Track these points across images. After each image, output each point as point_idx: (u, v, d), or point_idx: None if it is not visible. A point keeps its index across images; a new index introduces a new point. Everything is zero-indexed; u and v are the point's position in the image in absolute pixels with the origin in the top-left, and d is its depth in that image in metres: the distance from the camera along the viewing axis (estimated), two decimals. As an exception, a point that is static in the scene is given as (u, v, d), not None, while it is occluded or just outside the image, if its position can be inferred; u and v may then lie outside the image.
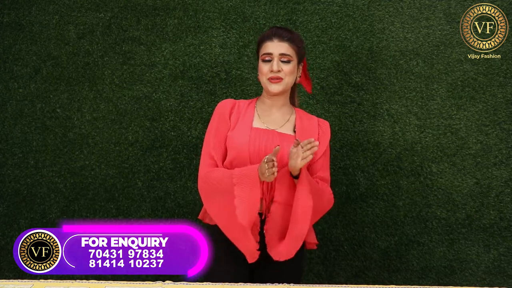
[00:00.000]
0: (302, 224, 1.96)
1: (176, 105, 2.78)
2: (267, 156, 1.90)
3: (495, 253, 2.74)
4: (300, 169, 1.94)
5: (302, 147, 1.89)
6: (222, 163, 2.06)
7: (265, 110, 2.14)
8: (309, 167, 2.08)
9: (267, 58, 2.09)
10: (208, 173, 2.03)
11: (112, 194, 2.79)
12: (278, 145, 1.92)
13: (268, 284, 1.85)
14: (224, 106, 2.14)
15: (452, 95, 2.74)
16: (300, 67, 2.16)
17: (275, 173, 1.90)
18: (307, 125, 2.14)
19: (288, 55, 2.08)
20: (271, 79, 2.08)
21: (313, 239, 2.11)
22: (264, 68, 2.09)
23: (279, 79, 2.07)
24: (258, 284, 1.85)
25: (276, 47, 2.08)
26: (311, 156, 1.89)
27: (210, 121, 2.14)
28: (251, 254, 1.98)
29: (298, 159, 1.89)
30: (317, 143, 1.90)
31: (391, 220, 2.76)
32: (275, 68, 2.06)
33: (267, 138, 2.04)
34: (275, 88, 2.08)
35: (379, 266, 2.77)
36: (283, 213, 2.00)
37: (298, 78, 2.15)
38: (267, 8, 2.77)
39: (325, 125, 2.18)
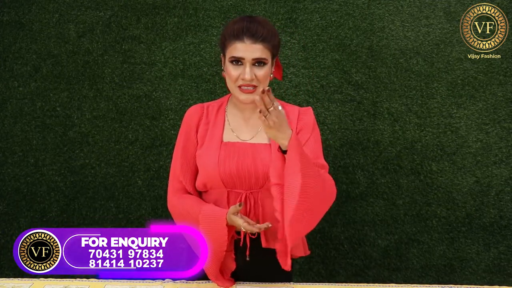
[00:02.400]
0: (290, 213, 1.65)
1: (176, 104, 2.78)
2: (231, 211, 1.71)
3: (495, 252, 2.74)
4: (290, 141, 1.63)
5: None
6: (193, 184, 1.89)
7: (237, 114, 1.90)
8: None
9: (237, 60, 1.79)
10: (177, 200, 1.87)
11: (112, 192, 2.79)
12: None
13: (268, 282, 1.86)
14: (190, 118, 1.90)
15: (452, 94, 2.74)
16: (274, 61, 1.87)
17: (257, 228, 1.71)
18: None
19: (264, 58, 1.78)
20: (242, 88, 1.79)
21: (299, 253, 1.93)
22: (233, 72, 1.78)
23: (252, 87, 1.79)
24: (261, 282, 1.86)
25: (248, 50, 1.76)
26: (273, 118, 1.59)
27: (178, 134, 1.91)
28: (222, 283, 1.82)
29: (267, 129, 1.62)
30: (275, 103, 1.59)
31: (391, 218, 2.76)
32: (247, 77, 1.76)
33: (238, 156, 1.82)
34: (247, 98, 1.79)
35: (379, 264, 2.77)
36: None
37: (272, 76, 1.85)
38: (267, 6, 2.77)
39: (306, 114, 1.91)
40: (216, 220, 1.74)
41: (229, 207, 1.78)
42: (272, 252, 1.79)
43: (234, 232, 1.81)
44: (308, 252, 1.99)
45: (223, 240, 1.75)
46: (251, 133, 1.88)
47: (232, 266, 1.84)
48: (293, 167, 1.63)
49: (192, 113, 1.91)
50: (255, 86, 1.79)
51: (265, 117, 1.60)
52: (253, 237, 1.81)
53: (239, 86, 1.79)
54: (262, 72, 1.78)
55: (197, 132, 1.88)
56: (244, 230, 1.73)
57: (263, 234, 1.81)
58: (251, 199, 1.83)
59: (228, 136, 1.87)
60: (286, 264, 1.76)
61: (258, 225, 1.73)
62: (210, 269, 1.79)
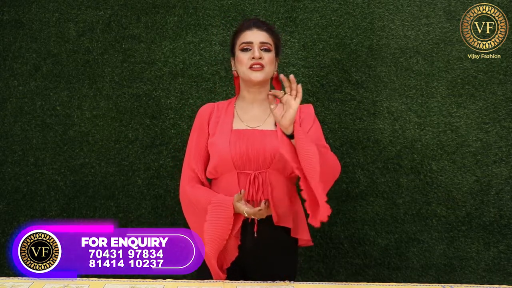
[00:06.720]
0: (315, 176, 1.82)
1: (176, 103, 2.78)
2: (236, 199, 1.90)
3: (495, 251, 2.74)
4: (294, 126, 1.84)
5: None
6: (205, 172, 2.04)
7: (245, 107, 2.09)
8: None
9: (246, 47, 2.02)
10: (190, 188, 2.02)
11: (112, 192, 2.79)
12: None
13: (269, 282, 1.86)
14: (202, 113, 2.10)
15: (452, 93, 2.74)
16: (277, 61, 2.10)
17: (261, 211, 1.90)
18: None
19: (268, 43, 2.03)
20: (252, 67, 2.01)
21: (306, 236, 2.06)
22: (244, 57, 2.03)
23: (261, 66, 2.01)
24: (258, 282, 1.86)
25: (255, 35, 2.03)
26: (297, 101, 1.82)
27: (192, 129, 2.10)
28: (215, 274, 1.96)
29: (286, 116, 1.82)
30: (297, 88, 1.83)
31: (391, 217, 2.76)
32: (256, 54, 2.00)
33: (247, 139, 1.99)
34: (257, 75, 2.01)
35: (379, 263, 2.77)
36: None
37: (275, 73, 2.07)
38: (267, 5, 2.77)
39: (307, 108, 2.09)
40: (224, 208, 1.92)
41: (240, 189, 1.95)
42: (279, 230, 1.99)
43: (241, 221, 1.95)
44: (311, 243, 2.10)
45: (227, 229, 1.92)
46: (259, 122, 2.05)
47: (235, 253, 1.96)
48: (305, 141, 1.83)
49: (204, 109, 2.12)
50: (263, 66, 2.01)
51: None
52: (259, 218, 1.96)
53: (250, 67, 2.01)
54: (268, 56, 2.02)
55: (208, 124, 2.07)
56: (247, 215, 1.91)
57: (275, 213, 1.96)
58: (260, 179, 1.97)
59: (238, 125, 2.05)
60: (316, 219, 1.91)
61: (257, 208, 1.91)
62: (208, 256, 1.91)
